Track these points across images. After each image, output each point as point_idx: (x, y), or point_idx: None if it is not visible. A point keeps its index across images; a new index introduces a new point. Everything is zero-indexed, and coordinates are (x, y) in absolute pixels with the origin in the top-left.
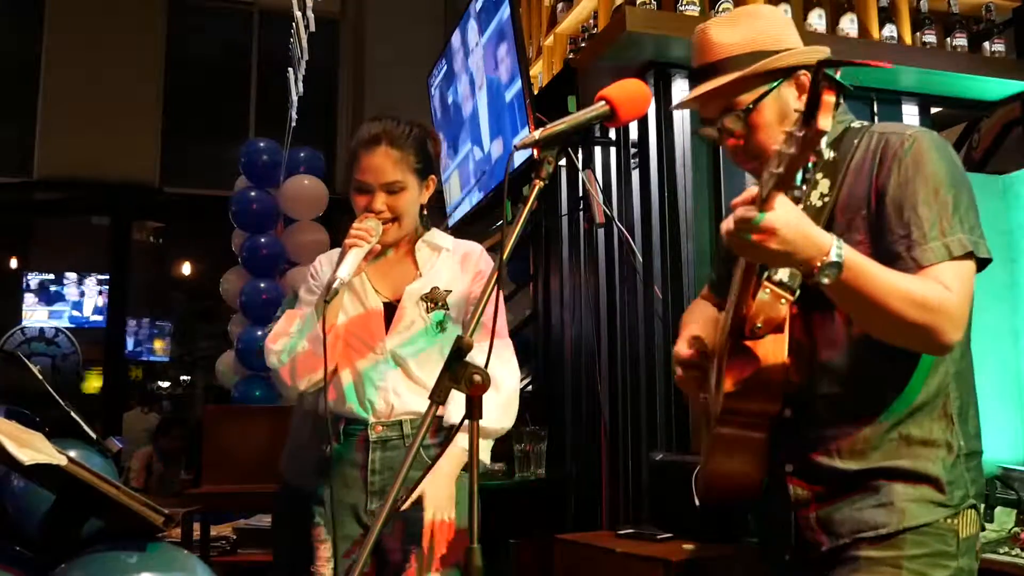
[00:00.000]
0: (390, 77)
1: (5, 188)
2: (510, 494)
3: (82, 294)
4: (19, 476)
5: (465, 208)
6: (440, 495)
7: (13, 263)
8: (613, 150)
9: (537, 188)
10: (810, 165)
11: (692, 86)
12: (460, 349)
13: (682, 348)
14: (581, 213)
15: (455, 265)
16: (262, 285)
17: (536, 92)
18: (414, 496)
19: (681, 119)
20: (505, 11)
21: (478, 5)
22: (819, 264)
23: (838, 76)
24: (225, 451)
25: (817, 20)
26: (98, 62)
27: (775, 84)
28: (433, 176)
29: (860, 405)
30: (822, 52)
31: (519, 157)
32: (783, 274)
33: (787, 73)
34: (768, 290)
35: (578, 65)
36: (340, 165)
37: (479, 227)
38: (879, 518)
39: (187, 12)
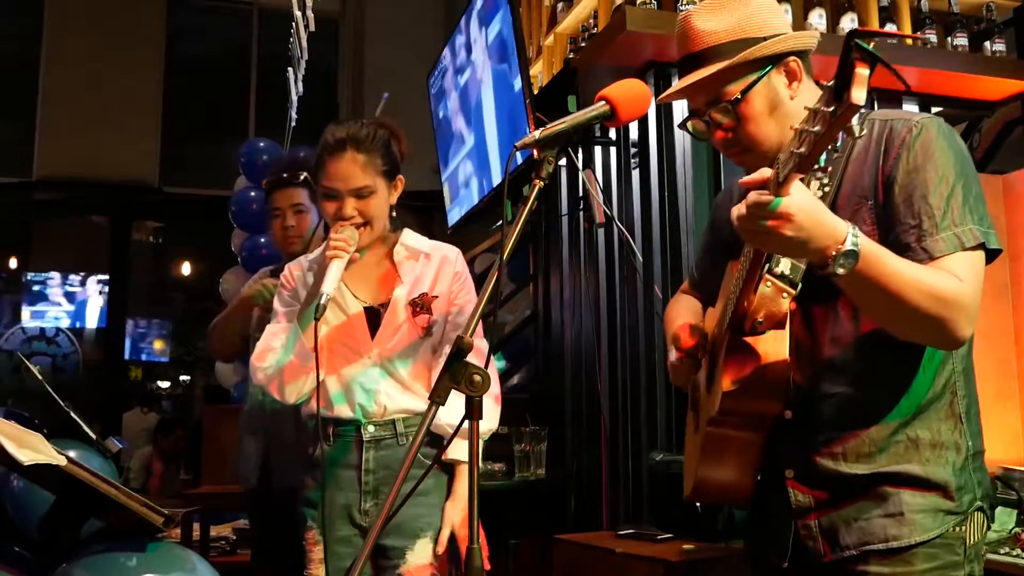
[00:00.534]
0: (390, 77)
1: (5, 188)
2: (510, 494)
3: (82, 294)
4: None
5: (466, 207)
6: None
7: (13, 263)
8: (613, 150)
9: (537, 188)
10: (838, 144)
11: (680, 76)
12: (460, 349)
13: (684, 334)
14: (581, 213)
15: (436, 269)
16: None
17: (536, 92)
18: (445, 534)
19: (681, 119)
20: (505, 11)
21: (478, 5)
22: (834, 253)
23: (871, 47)
24: (225, 451)
25: (817, 20)
26: (98, 62)
27: (764, 72)
28: (400, 176)
29: (866, 405)
30: (811, 36)
31: (519, 157)
32: (784, 266)
33: (775, 60)
34: (770, 283)
35: (578, 65)
36: None
37: (479, 227)
38: (889, 530)
39: (187, 12)
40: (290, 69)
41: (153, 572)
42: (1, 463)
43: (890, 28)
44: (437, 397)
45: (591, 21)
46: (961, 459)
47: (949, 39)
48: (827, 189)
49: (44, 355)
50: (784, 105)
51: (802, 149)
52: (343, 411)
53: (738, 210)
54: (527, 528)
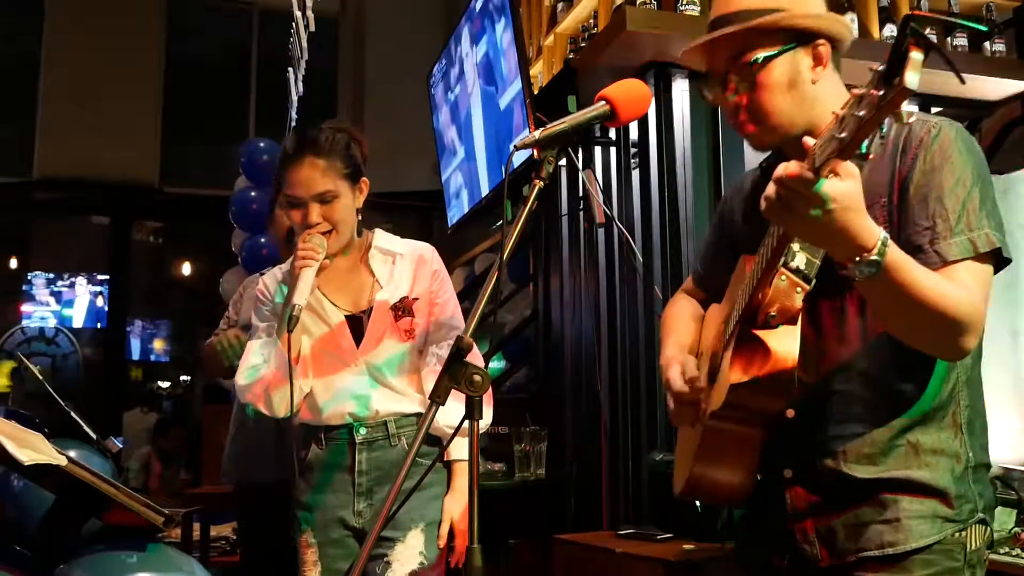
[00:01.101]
0: (390, 77)
1: (5, 188)
2: (510, 494)
3: (82, 294)
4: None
5: (465, 207)
6: (467, 514)
7: (13, 263)
8: (613, 150)
9: (537, 188)
10: (883, 131)
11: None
12: (460, 349)
13: (676, 378)
14: (581, 213)
15: (412, 270)
16: None
17: (536, 92)
18: (445, 528)
19: (681, 119)
20: (491, 33)
21: (478, 5)
22: (858, 259)
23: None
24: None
25: None
26: (98, 62)
27: (791, 45)
28: (364, 179)
29: (871, 405)
30: (846, 27)
31: (519, 157)
32: (800, 261)
33: (805, 38)
34: (785, 277)
35: (578, 65)
36: None
37: (479, 227)
38: (886, 536)
39: (187, 12)
40: (290, 69)
41: (152, 572)
42: (1, 463)
43: (890, 28)
44: (437, 397)
45: (591, 21)
46: (961, 468)
47: (949, 39)
48: None
49: (43, 355)
50: (804, 86)
51: (844, 134)
52: (333, 419)
53: (775, 180)
54: (527, 528)
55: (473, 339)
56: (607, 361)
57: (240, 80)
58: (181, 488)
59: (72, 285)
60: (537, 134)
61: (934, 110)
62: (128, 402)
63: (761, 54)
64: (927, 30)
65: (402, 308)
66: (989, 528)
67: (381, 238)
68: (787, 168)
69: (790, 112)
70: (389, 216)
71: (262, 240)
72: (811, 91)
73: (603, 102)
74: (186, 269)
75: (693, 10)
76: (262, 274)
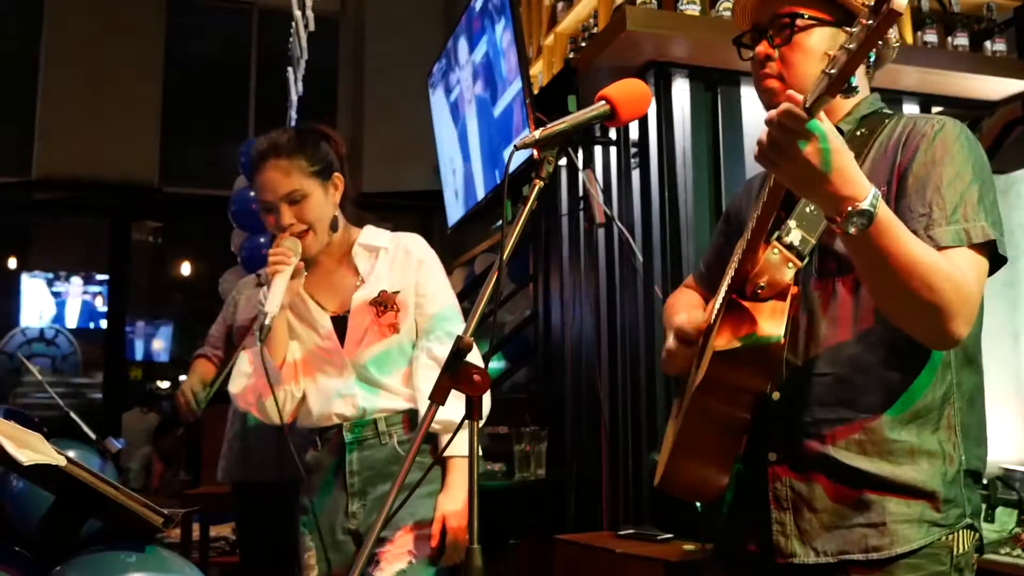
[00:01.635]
0: (390, 77)
1: (5, 188)
2: (510, 494)
3: (81, 294)
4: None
5: (465, 208)
6: (461, 515)
7: (12, 263)
8: (613, 150)
9: (537, 188)
10: (871, 60)
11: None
12: (459, 349)
13: (685, 322)
14: (581, 213)
15: (395, 262)
16: None
17: (536, 92)
18: (437, 527)
19: (681, 119)
20: (505, 11)
21: (478, 5)
22: (850, 208)
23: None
24: None
25: None
26: (98, 62)
27: (837, 25)
28: (338, 174)
29: (861, 391)
30: (891, 46)
31: (519, 157)
32: (795, 237)
33: (846, 18)
34: (777, 251)
35: (578, 65)
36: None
37: (479, 227)
38: (870, 541)
39: (187, 12)
40: (290, 69)
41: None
42: (1, 463)
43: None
44: (438, 397)
45: (591, 21)
46: (953, 472)
47: (949, 39)
48: None
49: (43, 356)
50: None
51: (833, 70)
52: (323, 420)
53: (767, 122)
54: (527, 528)
55: (473, 339)
56: (607, 361)
57: (240, 80)
58: (181, 489)
59: (71, 285)
60: (537, 134)
61: (935, 110)
62: (128, 402)
63: (808, 14)
64: (923, 31)
65: (382, 303)
66: (978, 534)
67: (366, 234)
68: (780, 107)
69: (811, 83)
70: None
71: (262, 240)
72: None
73: (603, 102)
74: (186, 269)
75: (693, 10)
76: (258, 275)
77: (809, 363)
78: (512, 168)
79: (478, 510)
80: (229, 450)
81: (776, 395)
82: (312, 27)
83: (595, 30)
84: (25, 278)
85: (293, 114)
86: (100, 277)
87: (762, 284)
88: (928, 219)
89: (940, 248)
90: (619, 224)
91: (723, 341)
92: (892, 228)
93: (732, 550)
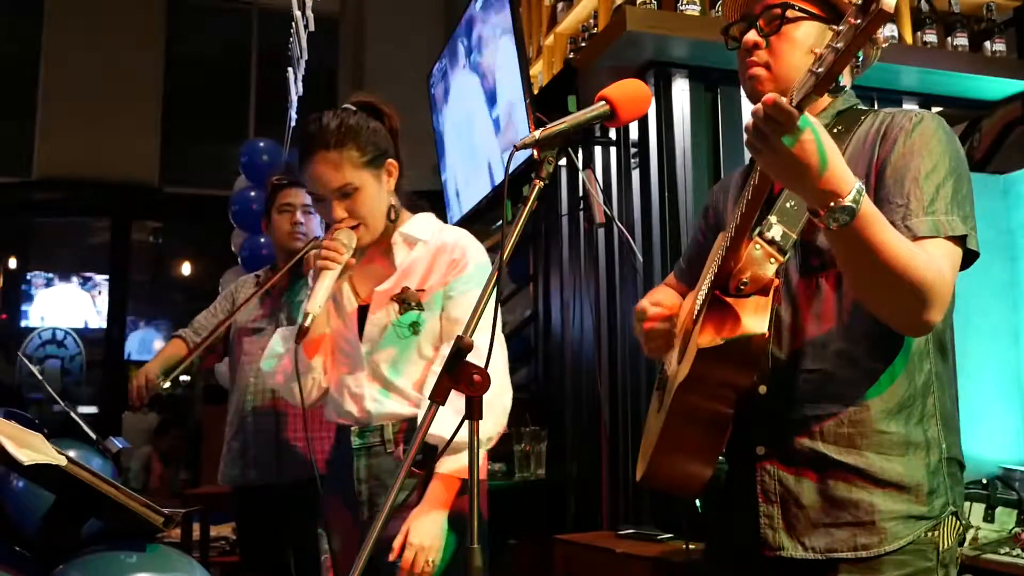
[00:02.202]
0: (390, 77)
1: (5, 188)
2: (510, 494)
3: (82, 294)
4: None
5: (465, 207)
6: (426, 534)
7: (13, 263)
8: (613, 150)
9: (537, 188)
10: (859, 59)
11: None
12: (460, 349)
13: (646, 304)
14: (581, 213)
15: (429, 259)
16: None
17: (536, 92)
18: (397, 542)
19: (681, 119)
20: (505, 11)
21: (478, 5)
22: (833, 204)
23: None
24: None
25: None
26: (98, 62)
27: (826, 21)
28: (391, 161)
29: (846, 384)
30: (877, 46)
31: (519, 157)
32: (776, 232)
33: (835, 19)
34: (759, 247)
35: (578, 65)
36: None
37: (479, 227)
38: (859, 539)
39: (187, 11)
40: (290, 69)
41: (152, 572)
42: (1, 463)
43: (890, 29)
44: (438, 397)
45: (591, 21)
46: (935, 460)
47: (949, 39)
48: None
49: (55, 357)
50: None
51: (820, 69)
52: (337, 417)
53: (753, 113)
54: (527, 528)
55: (473, 339)
56: (607, 361)
57: (240, 80)
58: (181, 489)
59: (71, 285)
60: (537, 134)
61: (934, 110)
62: (128, 402)
63: (799, 4)
64: (923, 31)
65: (405, 300)
66: (960, 524)
67: (411, 223)
68: (765, 98)
69: (796, 75)
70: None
71: (262, 240)
72: None
73: (603, 102)
74: (186, 269)
75: (693, 10)
76: (257, 275)
77: (795, 358)
78: (512, 168)
79: (478, 510)
80: (228, 452)
81: (763, 389)
82: (312, 27)
83: (595, 30)
84: (25, 278)
85: (293, 114)
86: (100, 277)
87: (745, 280)
88: (906, 209)
89: (917, 238)
90: (619, 224)
91: (707, 338)
92: (874, 222)
93: (722, 544)
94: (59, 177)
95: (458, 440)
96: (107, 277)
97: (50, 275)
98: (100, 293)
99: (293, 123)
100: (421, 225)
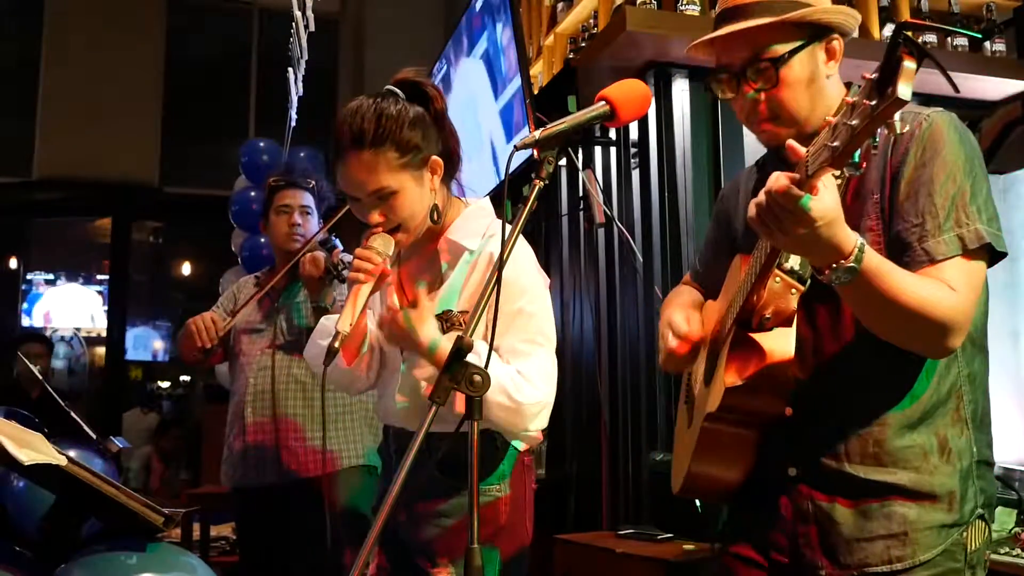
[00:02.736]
0: (390, 77)
1: (5, 188)
2: None
3: (82, 294)
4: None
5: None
6: (407, 329)
7: (13, 263)
8: (613, 150)
9: (537, 188)
10: (876, 140)
11: (717, 28)
12: (460, 349)
13: (680, 321)
14: (581, 213)
15: (474, 273)
16: None
17: (536, 92)
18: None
19: (681, 119)
20: (505, 11)
21: (478, 5)
22: (835, 265)
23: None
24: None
25: None
26: (98, 62)
27: (812, 39)
28: (435, 158)
29: (868, 403)
30: (856, 17)
31: (519, 157)
32: (794, 262)
33: (821, 33)
34: (779, 279)
35: (578, 65)
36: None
37: None
38: (893, 552)
39: (187, 11)
40: (290, 69)
41: (153, 572)
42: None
43: (890, 28)
44: (437, 397)
45: (591, 21)
46: (966, 465)
47: (949, 39)
48: (839, 182)
49: (63, 358)
50: (820, 81)
51: (836, 143)
52: (379, 417)
53: (760, 196)
54: None
55: (473, 339)
56: (607, 361)
57: (240, 80)
58: (181, 488)
59: (71, 285)
60: (537, 134)
61: None
62: (128, 402)
63: (785, 50)
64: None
65: (448, 321)
66: (988, 526)
67: (460, 226)
68: (776, 182)
69: (809, 108)
70: None
71: (262, 240)
72: (826, 86)
73: (603, 102)
74: (186, 269)
75: (693, 10)
76: (257, 276)
77: (817, 379)
78: (512, 168)
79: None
80: (228, 454)
81: (789, 411)
82: (312, 27)
83: (595, 30)
84: (25, 278)
85: (293, 114)
86: (100, 277)
87: (768, 315)
88: (921, 230)
89: (936, 261)
90: (619, 224)
91: (733, 377)
92: (879, 274)
93: (758, 544)
94: (59, 177)
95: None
96: (107, 277)
97: (50, 275)
98: (100, 293)
99: (293, 123)
100: (469, 227)
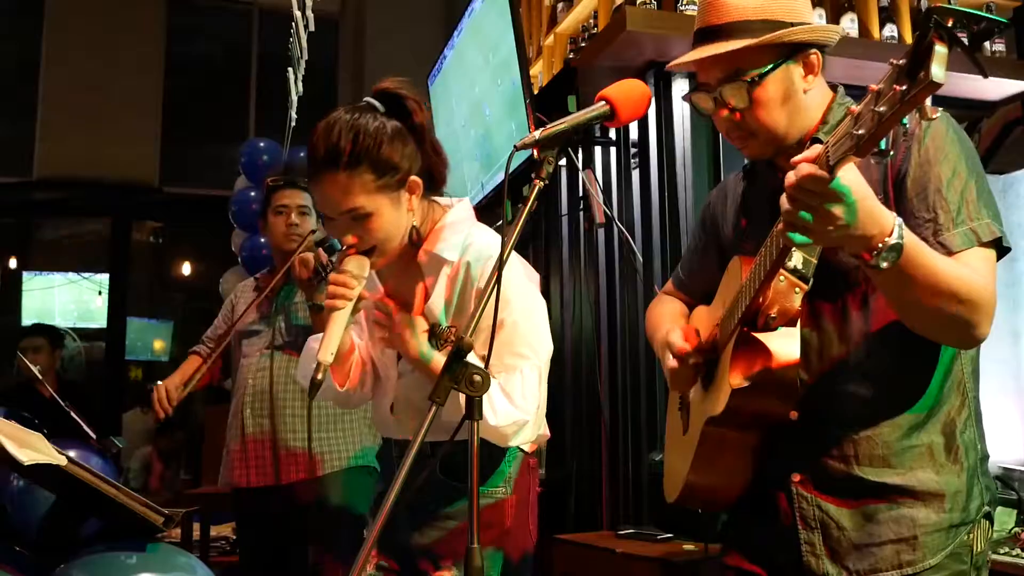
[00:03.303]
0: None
1: (5, 188)
2: None
3: (82, 294)
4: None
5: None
6: (408, 325)
7: (13, 263)
8: (613, 150)
9: (537, 188)
10: (905, 122)
11: (695, 46)
12: (460, 349)
13: (677, 339)
14: (581, 213)
15: (455, 285)
16: None
17: (536, 92)
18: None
19: (681, 119)
20: (504, 13)
21: (478, 5)
22: (880, 246)
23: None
24: None
25: (817, 20)
26: (98, 62)
27: (785, 59)
28: (414, 178)
29: (876, 403)
30: (835, 32)
31: (519, 157)
32: (797, 260)
33: (798, 49)
34: (783, 278)
35: (578, 65)
36: None
37: None
38: (903, 556)
39: (187, 12)
40: (290, 69)
41: (153, 572)
42: (2, 463)
43: (890, 28)
44: (437, 397)
45: (591, 21)
46: (972, 462)
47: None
48: None
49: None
50: (797, 96)
51: (861, 131)
52: (376, 426)
53: (787, 188)
54: None
55: (473, 340)
56: (607, 361)
57: (240, 80)
58: (181, 489)
59: (71, 285)
60: (537, 134)
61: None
62: (128, 402)
63: (755, 73)
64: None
65: (438, 336)
66: (991, 525)
67: (440, 238)
68: (799, 172)
69: (786, 125)
70: None
71: (262, 240)
72: (804, 100)
73: (603, 102)
74: (186, 269)
75: (693, 10)
76: (256, 279)
77: (823, 381)
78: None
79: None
80: (228, 455)
81: (794, 414)
82: (312, 27)
83: (595, 30)
84: (25, 278)
85: (293, 114)
86: (100, 277)
87: (773, 315)
88: (935, 224)
89: (953, 253)
90: (619, 224)
91: (738, 378)
92: (918, 252)
93: (757, 555)
94: (59, 177)
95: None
96: (107, 277)
97: (50, 275)
98: (100, 293)
99: (293, 123)
100: (449, 238)
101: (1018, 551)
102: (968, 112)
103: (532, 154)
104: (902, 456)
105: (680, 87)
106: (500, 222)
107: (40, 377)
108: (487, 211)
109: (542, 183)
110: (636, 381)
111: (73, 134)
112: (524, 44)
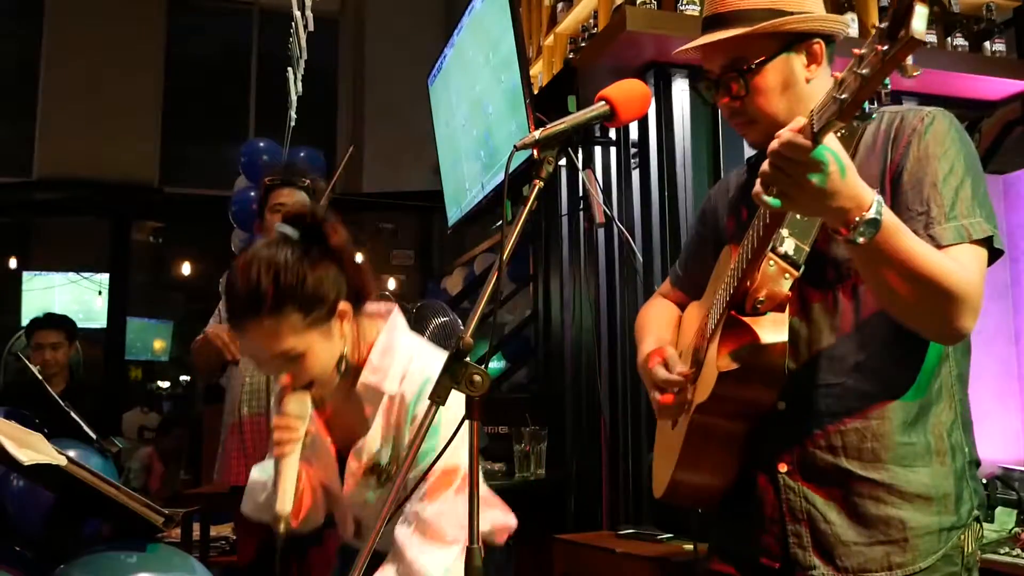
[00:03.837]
0: (390, 77)
1: (5, 188)
2: (510, 494)
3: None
4: (19, 476)
5: (465, 208)
6: None
7: (13, 263)
8: (613, 150)
9: (537, 188)
10: (887, 87)
11: (702, 34)
12: (460, 349)
13: (660, 370)
14: (581, 213)
15: (389, 420)
16: None
17: (536, 92)
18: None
19: (681, 119)
20: (505, 11)
21: (478, 3)
22: (857, 219)
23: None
24: None
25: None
26: (98, 62)
27: (784, 48)
28: (342, 305)
29: (864, 395)
30: (842, 24)
31: (519, 157)
32: (789, 246)
33: (800, 38)
34: (773, 263)
35: (578, 65)
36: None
37: (479, 227)
38: (893, 558)
39: (187, 12)
40: (290, 69)
41: (153, 572)
42: (1, 463)
43: None
44: (437, 397)
45: (591, 21)
46: (960, 465)
47: (949, 39)
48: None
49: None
50: (798, 86)
51: (844, 95)
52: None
53: (770, 152)
54: (527, 528)
55: (473, 339)
56: (607, 361)
57: (240, 80)
58: (181, 489)
59: (71, 285)
60: (537, 134)
61: None
62: (128, 402)
63: (754, 61)
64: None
65: (380, 473)
66: (981, 527)
67: (375, 365)
68: (781, 137)
69: (787, 112)
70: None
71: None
72: (806, 90)
73: (603, 102)
74: (186, 269)
75: (693, 10)
76: None
77: (812, 372)
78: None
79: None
80: (224, 453)
81: (782, 405)
82: (312, 27)
83: (595, 30)
84: (25, 278)
85: (293, 114)
86: (100, 277)
87: (761, 299)
88: (927, 217)
89: (942, 247)
90: (619, 224)
91: (726, 361)
92: (897, 232)
93: (741, 558)
94: (59, 177)
95: None
96: (107, 277)
97: (50, 275)
98: (100, 293)
99: (293, 123)
100: (385, 365)
101: (1018, 551)
102: (968, 112)
103: (532, 154)
104: (892, 452)
105: (680, 87)
106: (500, 222)
107: (40, 377)
108: (487, 211)
109: (542, 183)
110: (636, 381)
111: (73, 134)
112: (524, 44)
